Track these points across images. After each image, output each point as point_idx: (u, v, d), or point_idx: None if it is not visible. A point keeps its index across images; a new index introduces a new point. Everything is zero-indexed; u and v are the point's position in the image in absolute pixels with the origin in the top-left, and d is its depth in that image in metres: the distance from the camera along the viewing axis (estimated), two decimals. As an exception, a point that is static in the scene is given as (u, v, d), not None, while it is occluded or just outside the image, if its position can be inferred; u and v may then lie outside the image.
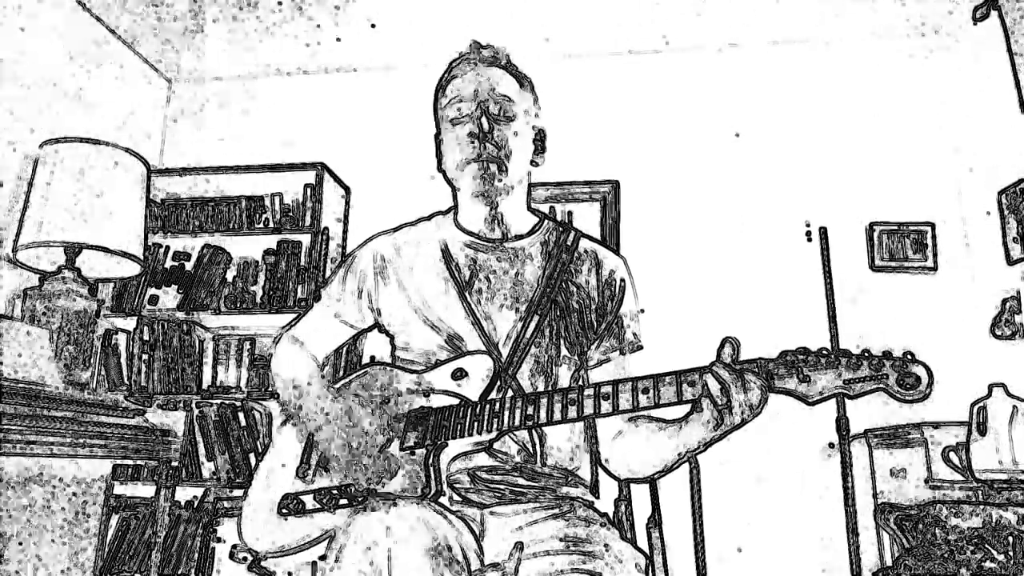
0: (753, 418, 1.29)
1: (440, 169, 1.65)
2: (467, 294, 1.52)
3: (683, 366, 1.33)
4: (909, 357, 1.25)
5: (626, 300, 1.58)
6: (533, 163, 1.63)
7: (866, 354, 1.26)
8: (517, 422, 1.36)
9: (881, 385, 1.24)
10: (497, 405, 1.39)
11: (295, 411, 1.54)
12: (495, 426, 1.37)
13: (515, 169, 1.56)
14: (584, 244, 1.61)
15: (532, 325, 1.50)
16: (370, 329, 1.65)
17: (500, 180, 1.54)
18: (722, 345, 1.31)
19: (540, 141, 1.64)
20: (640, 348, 1.58)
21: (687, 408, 1.36)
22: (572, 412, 1.34)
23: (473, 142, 1.52)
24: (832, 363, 1.26)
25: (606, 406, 1.32)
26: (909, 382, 1.23)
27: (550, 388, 1.48)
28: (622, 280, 1.59)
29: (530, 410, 1.36)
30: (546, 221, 1.64)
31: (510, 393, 1.43)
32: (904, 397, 1.24)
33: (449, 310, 1.51)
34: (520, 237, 1.59)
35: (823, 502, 2.92)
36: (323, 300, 1.66)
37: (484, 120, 1.53)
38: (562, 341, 1.51)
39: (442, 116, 1.60)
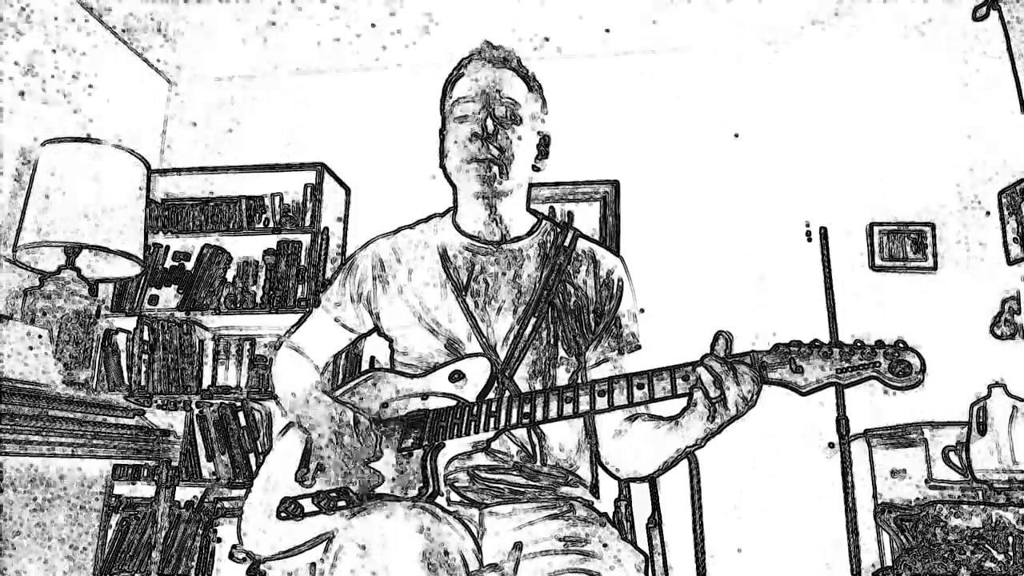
0: (747, 410, 1.29)
1: (442, 166, 1.65)
2: (465, 297, 1.52)
3: (681, 364, 1.32)
4: (901, 345, 1.25)
5: (624, 300, 1.58)
6: (535, 168, 1.62)
7: (859, 344, 1.26)
8: (514, 421, 1.37)
9: (873, 373, 1.25)
10: (494, 405, 1.39)
11: (295, 418, 1.54)
12: (492, 425, 1.38)
13: (516, 173, 1.55)
14: (582, 244, 1.60)
15: (529, 326, 1.50)
16: (370, 333, 1.65)
17: (500, 183, 1.53)
18: (715, 339, 1.31)
19: (544, 146, 1.63)
20: (638, 348, 1.58)
21: (685, 405, 1.36)
22: (568, 409, 1.34)
23: (475, 142, 1.52)
24: (825, 353, 1.26)
25: (601, 402, 1.33)
26: (901, 369, 1.24)
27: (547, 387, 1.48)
28: (620, 280, 1.59)
29: (526, 408, 1.36)
30: (544, 222, 1.64)
31: (507, 394, 1.43)
32: (896, 384, 1.24)
33: (447, 314, 1.51)
34: (519, 238, 1.59)
35: (823, 502, 2.92)
36: (322, 305, 1.66)
37: (489, 121, 1.52)
38: (560, 342, 1.51)
39: (448, 113, 1.59)
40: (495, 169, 1.52)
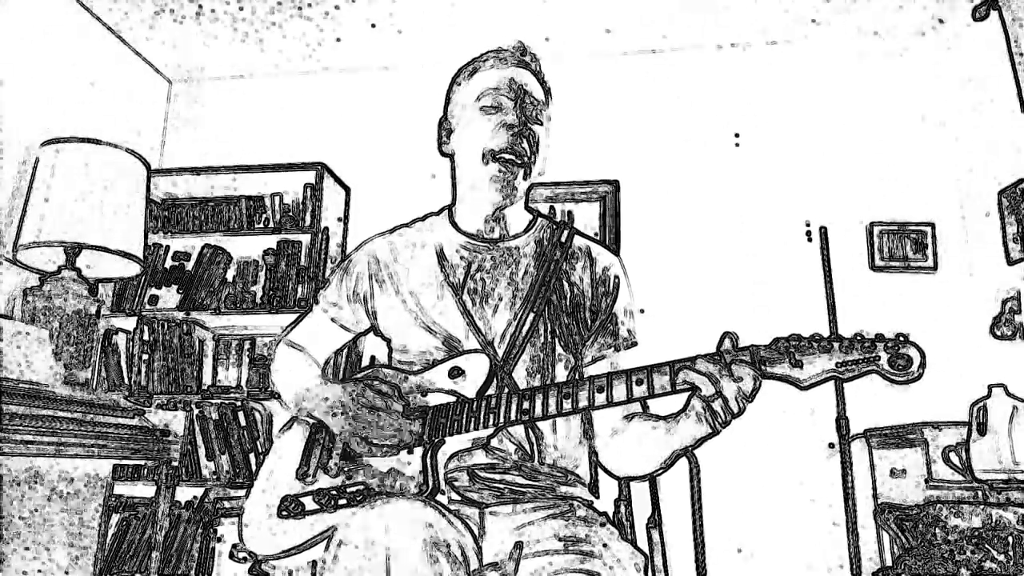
0: (747, 405, 1.28)
1: (443, 153, 1.65)
2: (462, 295, 1.52)
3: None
4: (901, 339, 1.25)
5: (620, 297, 1.58)
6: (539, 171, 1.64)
7: (858, 337, 1.26)
8: (513, 417, 1.37)
9: (873, 367, 1.24)
10: (493, 401, 1.39)
11: (303, 410, 1.54)
12: (491, 422, 1.38)
13: (533, 173, 1.58)
14: (578, 241, 1.61)
15: (527, 323, 1.50)
16: (367, 332, 1.65)
17: (519, 182, 1.54)
18: (722, 340, 1.31)
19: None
20: (635, 345, 1.57)
21: (683, 405, 1.37)
22: (567, 405, 1.34)
23: (508, 132, 1.52)
24: (824, 347, 1.26)
25: (600, 398, 1.33)
26: (901, 363, 1.23)
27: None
28: (616, 277, 1.59)
29: (525, 405, 1.36)
30: (540, 219, 1.65)
31: (506, 390, 1.43)
32: (896, 378, 1.24)
33: (444, 313, 1.51)
34: (515, 236, 1.59)
35: (823, 502, 2.92)
36: (320, 304, 1.65)
37: (522, 116, 1.53)
38: (557, 339, 1.51)
39: (465, 102, 1.59)
40: (519, 171, 1.53)
